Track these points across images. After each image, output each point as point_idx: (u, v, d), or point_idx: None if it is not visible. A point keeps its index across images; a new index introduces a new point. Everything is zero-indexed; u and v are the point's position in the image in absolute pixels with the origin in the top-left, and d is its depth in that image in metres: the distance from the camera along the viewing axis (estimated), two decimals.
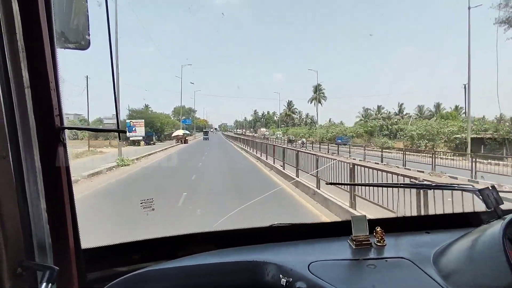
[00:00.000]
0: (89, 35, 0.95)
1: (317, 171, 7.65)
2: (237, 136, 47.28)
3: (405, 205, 4.23)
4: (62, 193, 0.76)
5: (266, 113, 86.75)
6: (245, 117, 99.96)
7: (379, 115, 47.01)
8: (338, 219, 5.42)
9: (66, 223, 0.78)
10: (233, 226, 1.14)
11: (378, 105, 50.25)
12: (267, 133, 63.47)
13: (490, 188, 1.05)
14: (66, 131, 0.77)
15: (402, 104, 49.46)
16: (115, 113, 0.83)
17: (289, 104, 77.73)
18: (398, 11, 71.82)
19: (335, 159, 7.54)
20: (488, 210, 1.05)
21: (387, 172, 5.67)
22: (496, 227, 0.85)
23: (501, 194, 1.05)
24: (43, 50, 0.72)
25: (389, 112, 48.08)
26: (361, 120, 48.08)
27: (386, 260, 0.95)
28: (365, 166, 6.15)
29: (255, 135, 61.68)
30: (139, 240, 1.01)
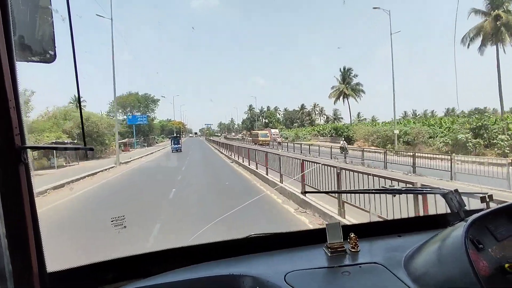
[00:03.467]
0: (54, 47, 0.91)
1: None
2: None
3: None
4: (24, 216, 0.72)
5: (266, 108, 63.37)
6: (231, 118, 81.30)
7: None
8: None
9: (29, 247, 0.74)
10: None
11: None
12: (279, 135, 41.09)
13: (453, 192, 1.12)
14: (29, 150, 0.73)
15: None
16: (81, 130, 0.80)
17: (345, 72, 44.04)
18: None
19: None
20: (453, 212, 1.11)
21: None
22: (459, 230, 0.89)
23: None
24: (0, 65, 0.68)
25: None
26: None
27: (360, 266, 0.97)
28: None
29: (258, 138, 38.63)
30: (109, 260, 0.97)
